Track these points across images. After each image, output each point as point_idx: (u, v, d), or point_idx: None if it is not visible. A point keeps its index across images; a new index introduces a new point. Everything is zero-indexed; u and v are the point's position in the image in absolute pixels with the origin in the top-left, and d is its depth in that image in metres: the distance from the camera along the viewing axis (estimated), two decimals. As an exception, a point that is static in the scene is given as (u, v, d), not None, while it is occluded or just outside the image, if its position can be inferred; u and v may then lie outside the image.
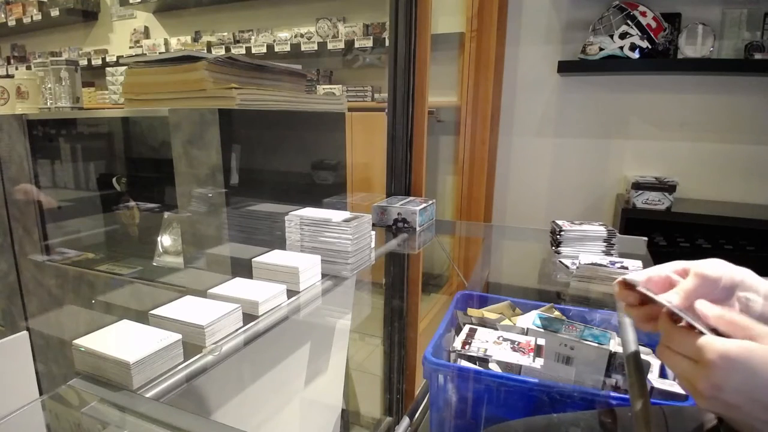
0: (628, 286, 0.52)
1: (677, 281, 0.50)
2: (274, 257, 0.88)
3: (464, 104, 2.27)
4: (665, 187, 1.95)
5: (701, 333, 0.43)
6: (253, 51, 3.06)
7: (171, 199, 1.10)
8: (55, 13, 3.75)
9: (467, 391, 0.84)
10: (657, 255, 1.12)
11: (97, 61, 3.70)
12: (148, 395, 0.56)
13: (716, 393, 0.41)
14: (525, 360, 0.86)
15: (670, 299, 0.47)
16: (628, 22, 1.95)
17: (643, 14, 1.93)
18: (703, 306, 0.45)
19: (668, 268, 0.52)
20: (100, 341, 0.59)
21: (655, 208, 1.96)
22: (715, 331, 0.43)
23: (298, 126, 1.26)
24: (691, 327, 0.44)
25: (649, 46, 1.95)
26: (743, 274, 0.49)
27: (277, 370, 0.95)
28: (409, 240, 1.27)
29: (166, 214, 1.36)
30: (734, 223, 1.85)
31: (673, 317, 0.47)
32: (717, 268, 0.49)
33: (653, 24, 1.93)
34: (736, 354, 0.40)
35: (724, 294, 0.48)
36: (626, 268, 0.98)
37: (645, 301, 0.51)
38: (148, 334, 0.61)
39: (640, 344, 0.58)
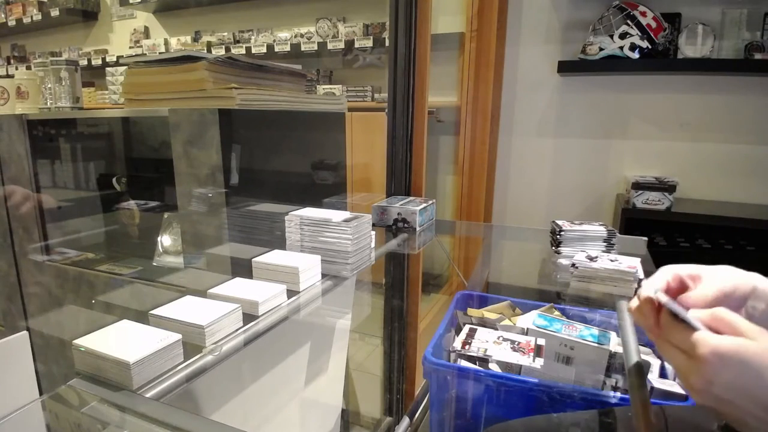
0: (651, 303, 0.51)
1: (690, 286, 0.51)
2: (274, 257, 0.88)
3: (464, 104, 2.27)
4: (665, 187, 1.95)
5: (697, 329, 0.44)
6: (253, 51, 3.05)
7: (171, 199, 1.10)
8: (55, 13, 3.75)
9: (467, 391, 0.84)
10: (657, 255, 1.12)
11: (97, 61, 3.70)
12: (148, 395, 0.56)
13: (708, 387, 0.42)
14: (525, 360, 0.86)
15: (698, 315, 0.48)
16: (628, 22, 1.95)
17: (643, 14, 1.93)
18: (693, 313, 0.46)
19: (684, 271, 0.52)
20: (100, 341, 0.59)
21: (655, 208, 1.96)
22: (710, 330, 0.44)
23: (298, 126, 1.26)
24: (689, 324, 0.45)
25: (649, 46, 1.95)
26: (753, 281, 0.50)
27: (277, 370, 0.95)
28: (409, 240, 1.27)
29: (166, 214, 1.36)
30: (734, 223, 1.85)
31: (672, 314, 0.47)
32: (730, 278, 0.50)
33: (653, 24, 1.93)
34: (728, 350, 0.41)
35: (736, 303, 0.49)
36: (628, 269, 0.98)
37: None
38: (148, 334, 0.61)
39: (640, 344, 0.58)
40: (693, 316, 0.46)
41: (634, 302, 0.52)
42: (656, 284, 0.51)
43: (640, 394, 0.50)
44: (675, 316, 0.46)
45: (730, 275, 0.50)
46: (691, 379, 0.43)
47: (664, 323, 0.47)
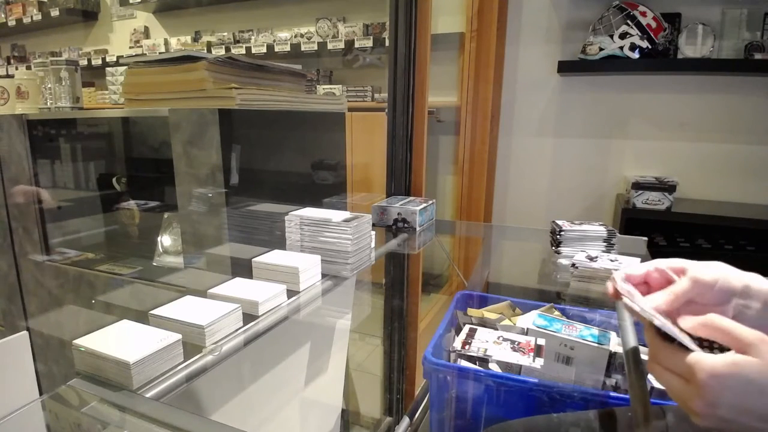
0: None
1: (673, 279, 0.50)
2: (274, 257, 0.88)
3: (464, 104, 2.27)
4: (665, 187, 1.95)
5: (688, 349, 0.42)
6: (253, 51, 3.05)
7: (171, 199, 1.10)
8: (55, 13, 3.75)
9: (467, 391, 0.84)
10: (657, 255, 1.11)
11: (97, 61, 3.70)
12: (148, 395, 0.56)
13: (711, 411, 0.41)
14: (525, 360, 0.86)
15: (659, 299, 0.47)
16: (628, 22, 1.95)
17: (643, 14, 1.93)
18: (683, 321, 0.45)
19: (665, 264, 0.52)
20: (100, 341, 0.59)
21: (655, 208, 1.96)
22: (700, 340, 0.44)
23: (298, 126, 1.26)
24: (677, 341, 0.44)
25: (649, 46, 1.95)
26: (748, 279, 0.48)
27: (277, 370, 0.95)
28: (409, 240, 1.27)
29: (166, 214, 1.36)
30: (734, 223, 1.85)
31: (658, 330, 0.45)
32: (714, 271, 0.48)
33: (653, 24, 1.93)
34: (726, 371, 0.40)
35: (718, 298, 0.48)
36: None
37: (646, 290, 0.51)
38: (148, 334, 0.61)
39: (640, 344, 0.58)
40: (683, 325, 0.44)
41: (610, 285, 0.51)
42: (635, 272, 0.51)
43: (640, 393, 0.50)
44: (665, 336, 0.44)
45: (714, 269, 0.48)
46: (692, 404, 0.41)
47: (653, 346, 0.46)
